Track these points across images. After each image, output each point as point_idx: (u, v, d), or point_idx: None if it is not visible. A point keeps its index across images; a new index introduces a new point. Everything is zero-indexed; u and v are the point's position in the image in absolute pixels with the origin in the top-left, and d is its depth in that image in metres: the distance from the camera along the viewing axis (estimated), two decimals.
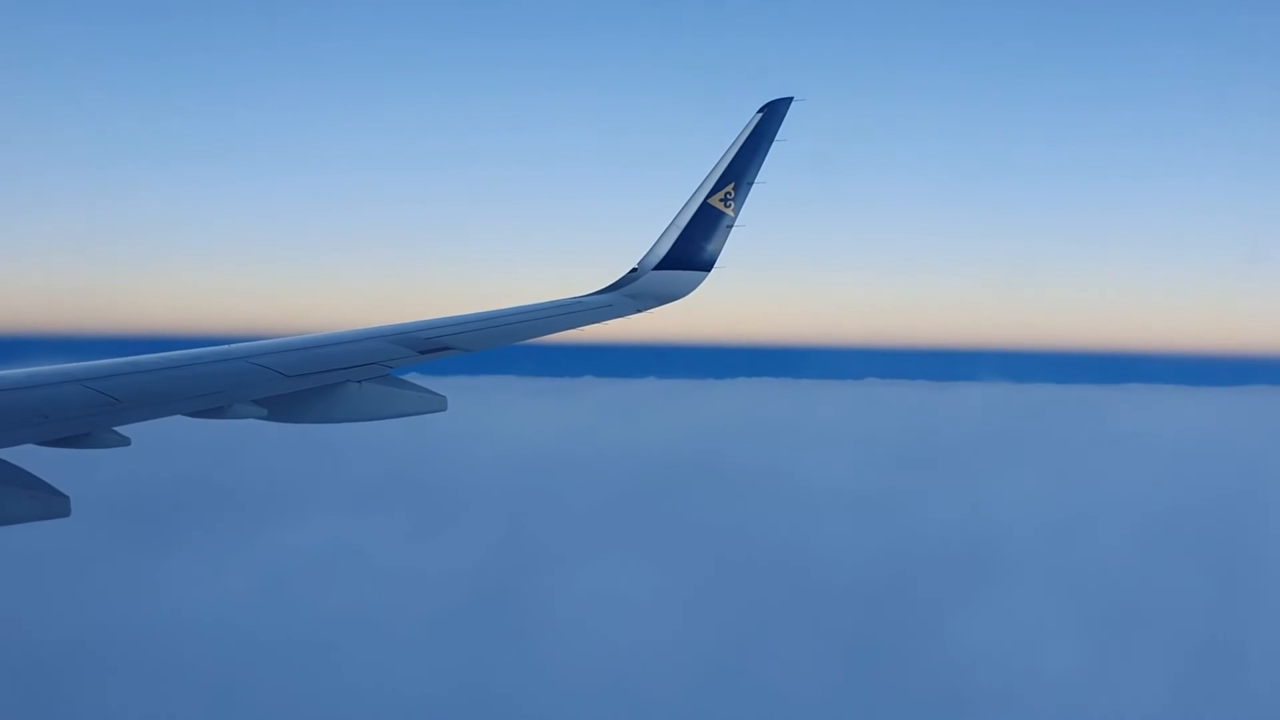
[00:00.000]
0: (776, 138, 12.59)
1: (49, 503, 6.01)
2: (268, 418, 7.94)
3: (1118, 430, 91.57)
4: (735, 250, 12.97)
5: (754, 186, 12.65)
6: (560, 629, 44.82)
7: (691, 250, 12.94)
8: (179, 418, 7.37)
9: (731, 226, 12.82)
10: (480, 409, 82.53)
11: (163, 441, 7.66)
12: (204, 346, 8.53)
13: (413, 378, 9.20)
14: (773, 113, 12.65)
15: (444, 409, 9.05)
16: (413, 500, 61.60)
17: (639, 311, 12.61)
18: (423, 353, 9.50)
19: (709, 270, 13.03)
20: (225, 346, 8.56)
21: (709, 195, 12.72)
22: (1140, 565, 53.90)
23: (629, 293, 12.86)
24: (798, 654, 42.98)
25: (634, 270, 13.20)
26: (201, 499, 56.03)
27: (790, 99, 12.67)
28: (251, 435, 8.88)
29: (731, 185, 12.64)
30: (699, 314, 13.23)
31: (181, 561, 48.41)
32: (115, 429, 6.78)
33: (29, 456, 6.18)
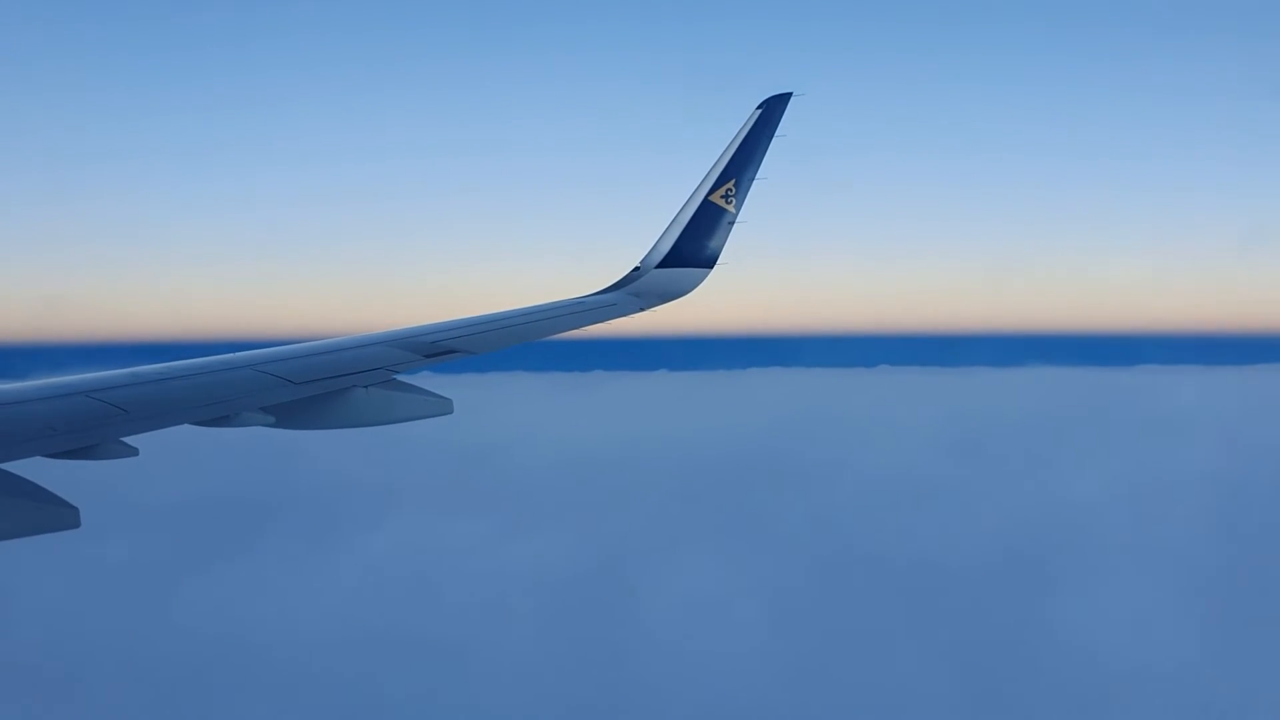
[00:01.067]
0: (776, 133, 12.58)
1: (59, 514, 6.03)
2: (275, 425, 7.95)
3: (1160, 410, 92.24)
4: (737, 245, 12.99)
5: (755, 182, 12.65)
6: (666, 626, 44.80)
7: (693, 247, 12.93)
8: (186, 426, 7.39)
9: (733, 223, 12.80)
10: (507, 406, 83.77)
11: (171, 451, 7.68)
12: (209, 353, 8.55)
13: (419, 379, 9.21)
14: (772, 109, 12.64)
15: (450, 412, 9.06)
16: (480, 501, 61.32)
17: (642, 310, 12.61)
18: (428, 356, 9.52)
19: (711, 267, 13.02)
20: (231, 355, 8.58)
21: (710, 192, 12.71)
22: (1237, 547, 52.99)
23: (632, 291, 12.85)
24: (914, 648, 42.61)
25: (636, 269, 13.19)
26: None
27: (789, 94, 12.66)
28: (259, 442, 8.89)
29: (732, 182, 12.63)
30: (701, 307, 13.24)
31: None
32: (123, 439, 6.79)
33: (38, 469, 6.19)
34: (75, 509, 6.04)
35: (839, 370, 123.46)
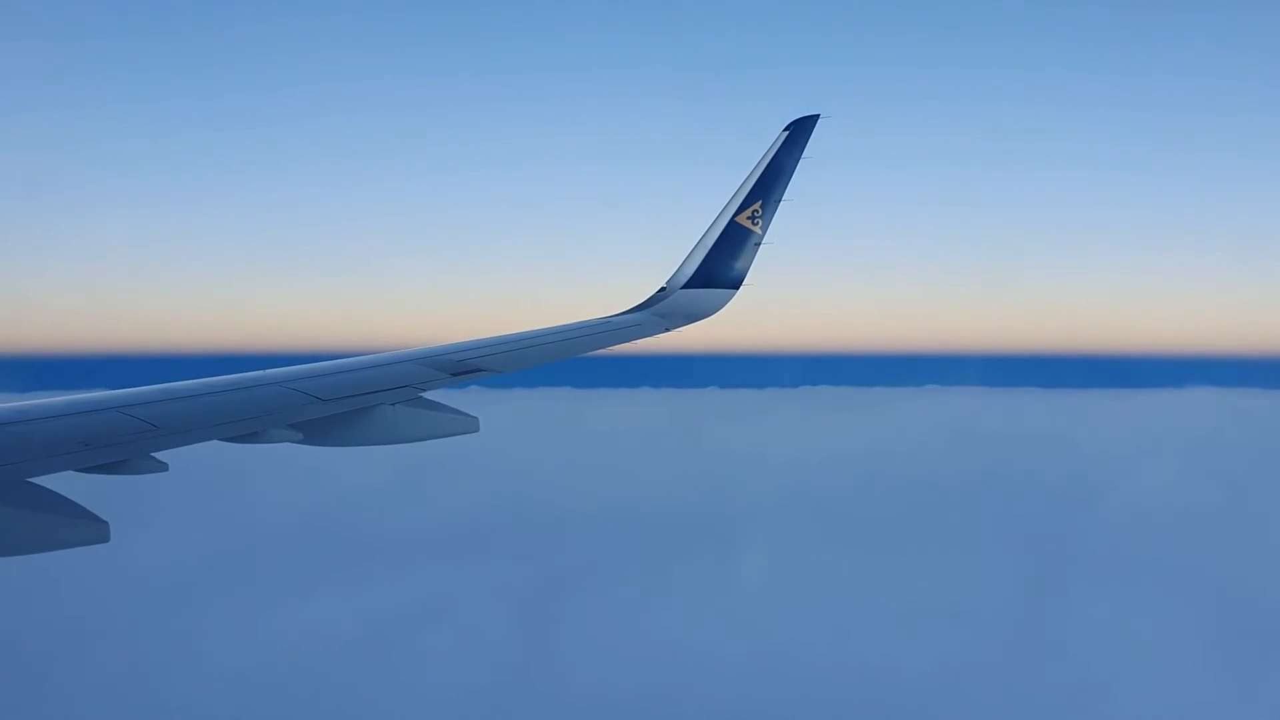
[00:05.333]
0: (803, 155, 12.59)
1: (89, 529, 6.09)
2: (303, 441, 8.02)
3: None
4: (763, 266, 13.01)
5: (781, 204, 12.65)
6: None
7: (720, 268, 12.94)
8: (215, 443, 7.46)
9: (759, 244, 12.81)
10: (578, 422, 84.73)
11: (201, 466, 7.76)
12: (239, 369, 8.64)
13: (445, 396, 9.26)
14: (799, 130, 12.64)
15: (476, 430, 9.09)
16: (648, 520, 61.26)
17: (667, 330, 12.62)
18: (454, 375, 9.57)
19: (737, 288, 13.02)
20: (260, 372, 8.66)
21: (736, 213, 12.72)
22: None
23: (658, 311, 12.87)
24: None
25: (662, 289, 13.21)
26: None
27: (816, 116, 12.66)
28: (288, 459, 8.98)
29: (759, 203, 12.63)
30: (725, 326, 13.26)
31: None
32: (154, 455, 6.88)
33: (69, 483, 6.28)
34: (105, 523, 6.10)
35: (888, 390, 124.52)
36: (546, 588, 50.80)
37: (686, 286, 13.07)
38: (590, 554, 55.52)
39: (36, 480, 6.18)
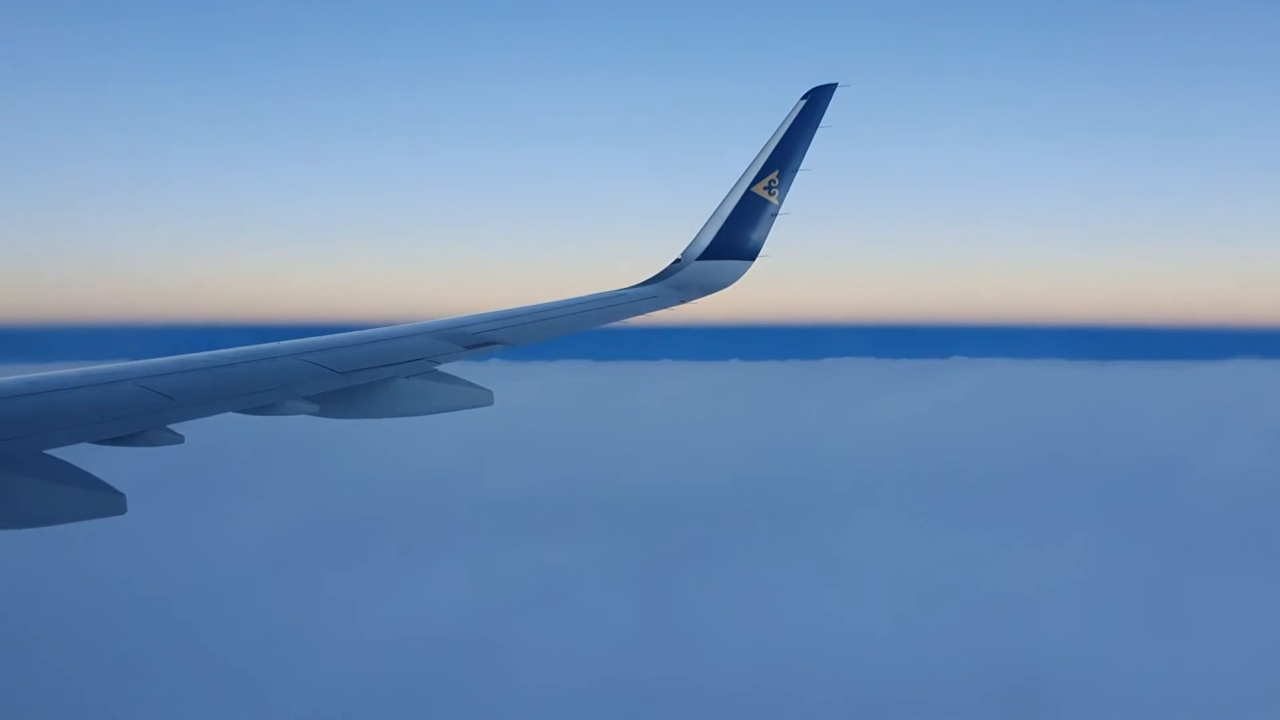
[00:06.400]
0: (821, 124, 12.46)
1: (105, 501, 6.09)
2: (319, 414, 8.01)
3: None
4: (779, 237, 12.90)
5: (798, 174, 12.54)
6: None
7: (735, 239, 12.86)
8: (231, 415, 7.45)
9: (776, 215, 12.71)
10: (609, 396, 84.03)
11: (217, 438, 7.74)
12: (255, 341, 8.64)
13: (459, 369, 9.25)
14: (816, 99, 12.52)
15: (490, 403, 9.09)
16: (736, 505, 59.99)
17: (683, 302, 12.57)
18: (469, 347, 9.55)
19: (753, 259, 12.94)
20: (275, 344, 8.66)
21: (752, 184, 12.63)
22: None
23: (673, 284, 12.82)
24: None
25: (677, 261, 13.15)
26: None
27: (834, 85, 12.53)
28: (303, 431, 8.96)
29: (775, 173, 12.53)
30: (742, 296, 13.17)
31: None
32: (169, 427, 6.87)
33: (85, 455, 6.26)
34: (122, 495, 6.10)
35: (915, 362, 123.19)
36: (633, 566, 49.94)
37: (702, 258, 13.00)
38: (674, 532, 54.64)
39: (52, 452, 6.17)
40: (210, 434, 7.21)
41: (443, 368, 9.09)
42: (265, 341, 8.70)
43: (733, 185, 12.83)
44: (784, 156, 12.49)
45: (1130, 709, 38.37)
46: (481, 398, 9.05)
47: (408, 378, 8.70)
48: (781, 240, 12.88)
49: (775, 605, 45.80)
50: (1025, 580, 48.74)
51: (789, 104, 12.63)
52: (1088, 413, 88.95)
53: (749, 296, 13.12)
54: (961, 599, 47.11)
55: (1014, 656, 41.00)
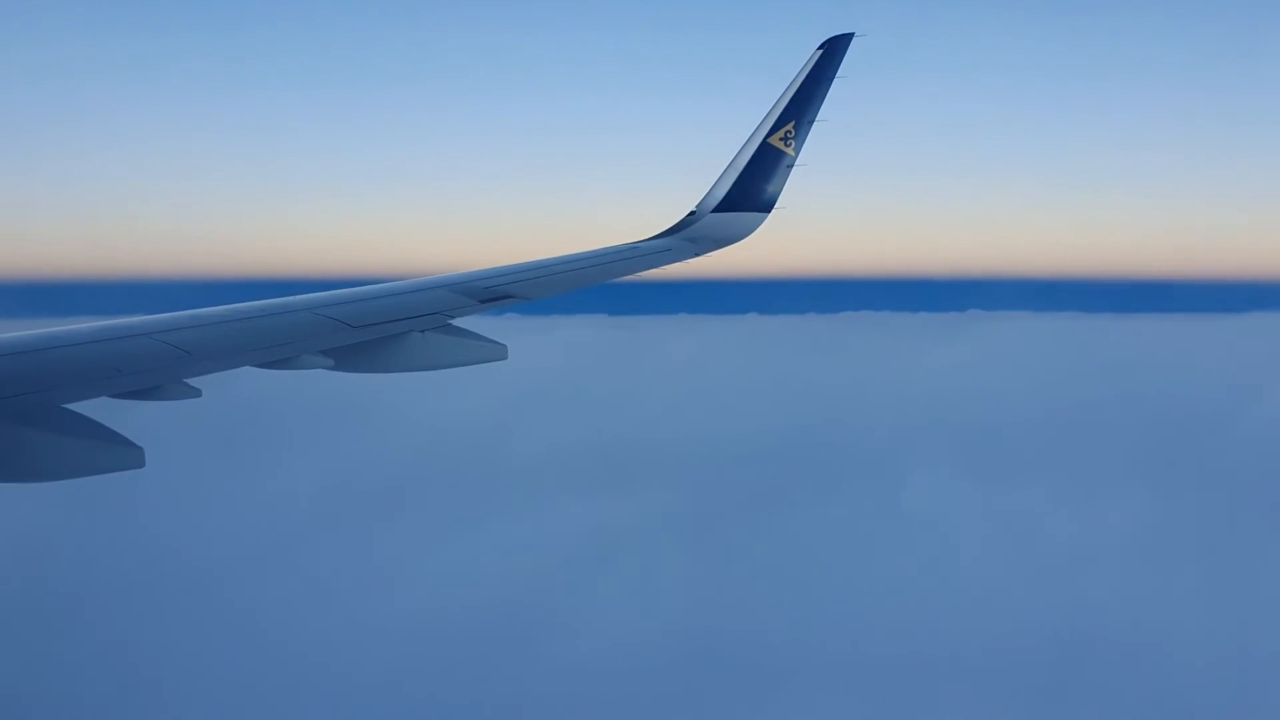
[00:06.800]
0: (837, 75, 12.32)
1: (124, 454, 6.14)
2: (334, 368, 8.05)
3: None
4: (795, 189, 12.80)
5: (815, 125, 12.42)
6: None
7: (751, 191, 12.76)
8: (247, 368, 7.48)
9: (792, 166, 12.60)
10: (638, 350, 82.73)
11: (233, 392, 7.77)
12: (271, 294, 8.66)
13: (472, 323, 9.26)
14: (833, 49, 12.36)
15: (505, 358, 9.11)
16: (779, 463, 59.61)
17: (697, 255, 12.52)
18: (483, 301, 9.55)
19: (769, 211, 12.85)
20: (291, 298, 8.67)
21: (768, 135, 12.51)
22: None
23: (687, 236, 12.76)
24: None
25: (692, 213, 13.08)
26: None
27: (851, 35, 12.37)
28: (319, 384, 9.00)
29: (791, 124, 12.40)
30: (757, 249, 13.09)
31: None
32: (186, 381, 6.91)
33: (103, 409, 6.30)
34: (140, 449, 6.14)
35: (932, 315, 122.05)
36: (690, 522, 49.73)
37: (717, 210, 12.92)
38: (727, 489, 54.19)
39: (70, 406, 6.21)
40: (227, 387, 7.24)
41: (457, 322, 9.10)
42: (280, 295, 8.71)
43: (748, 137, 12.72)
44: (800, 107, 12.36)
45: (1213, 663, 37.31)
46: (495, 352, 9.06)
47: (422, 332, 8.71)
48: (797, 192, 12.78)
49: (842, 560, 45.45)
50: (1096, 535, 48.27)
51: (805, 54, 12.48)
52: (1119, 366, 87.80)
53: (764, 249, 13.05)
54: (1031, 553, 46.76)
55: (1091, 611, 40.60)
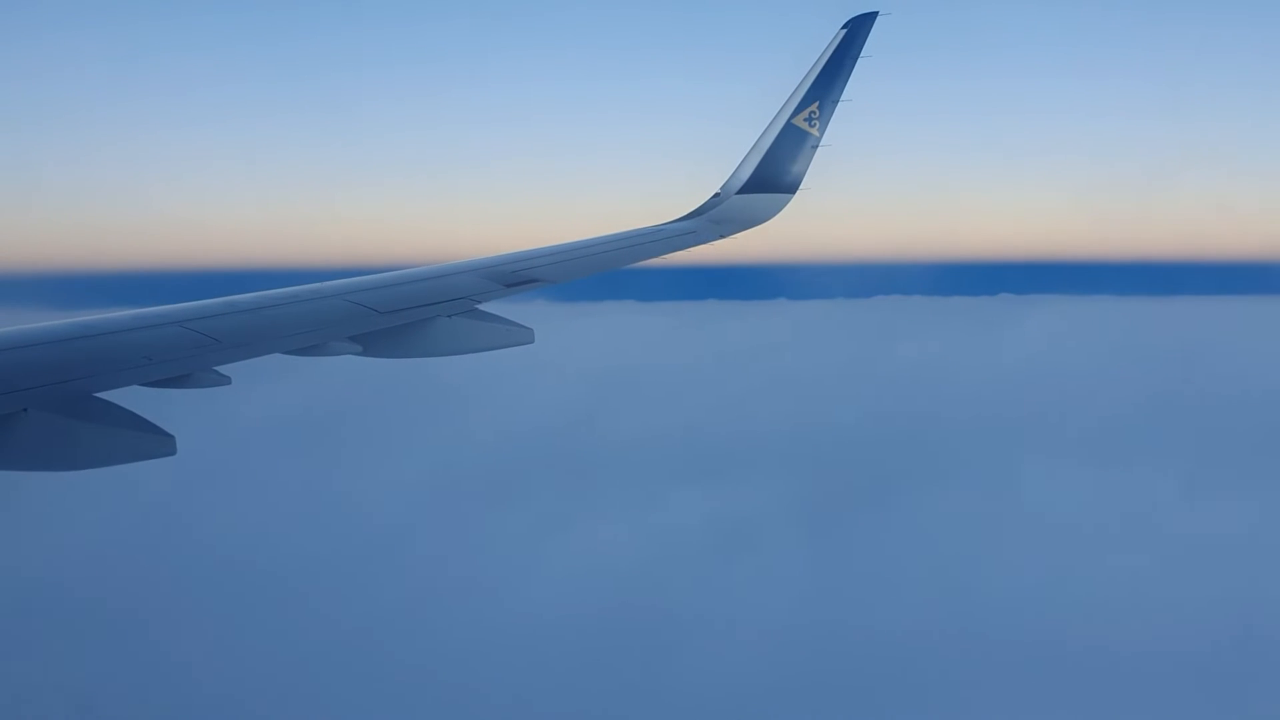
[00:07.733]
0: (861, 54, 12.24)
1: (156, 442, 6.20)
2: (362, 353, 8.08)
3: None
4: (820, 170, 12.72)
5: (839, 105, 12.34)
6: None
7: (775, 172, 12.71)
8: (277, 355, 7.53)
9: (816, 147, 12.53)
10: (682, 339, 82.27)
11: (263, 379, 7.81)
12: (299, 282, 8.70)
13: (498, 307, 9.26)
14: (857, 29, 12.28)
15: (531, 341, 9.11)
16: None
17: (722, 237, 12.48)
18: (509, 286, 9.56)
19: (794, 192, 12.80)
20: (318, 285, 8.70)
21: (793, 115, 12.45)
22: None
23: (712, 218, 12.72)
24: None
25: (716, 195, 13.04)
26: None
27: (875, 14, 12.28)
28: (348, 371, 9.03)
29: (816, 104, 12.34)
30: (781, 231, 13.02)
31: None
32: (216, 368, 6.96)
33: (135, 397, 6.36)
34: (171, 436, 6.20)
35: (960, 299, 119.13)
36: (791, 510, 48.71)
37: (741, 192, 12.87)
38: (818, 479, 52.87)
39: (103, 395, 6.28)
40: (256, 375, 7.29)
41: (484, 306, 9.11)
42: (308, 283, 8.75)
43: (772, 118, 12.65)
44: (824, 88, 12.29)
45: None
46: (522, 336, 9.06)
47: (449, 316, 8.74)
48: (822, 173, 12.71)
49: (986, 553, 44.33)
50: (1237, 525, 46.67)
51: (829, 34, 12.40)
52: (1170, 349, 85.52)
53: (789, 232, 12.99)
54: (1154, 537, 45.81)
55: (1229, 598, 39.34)
